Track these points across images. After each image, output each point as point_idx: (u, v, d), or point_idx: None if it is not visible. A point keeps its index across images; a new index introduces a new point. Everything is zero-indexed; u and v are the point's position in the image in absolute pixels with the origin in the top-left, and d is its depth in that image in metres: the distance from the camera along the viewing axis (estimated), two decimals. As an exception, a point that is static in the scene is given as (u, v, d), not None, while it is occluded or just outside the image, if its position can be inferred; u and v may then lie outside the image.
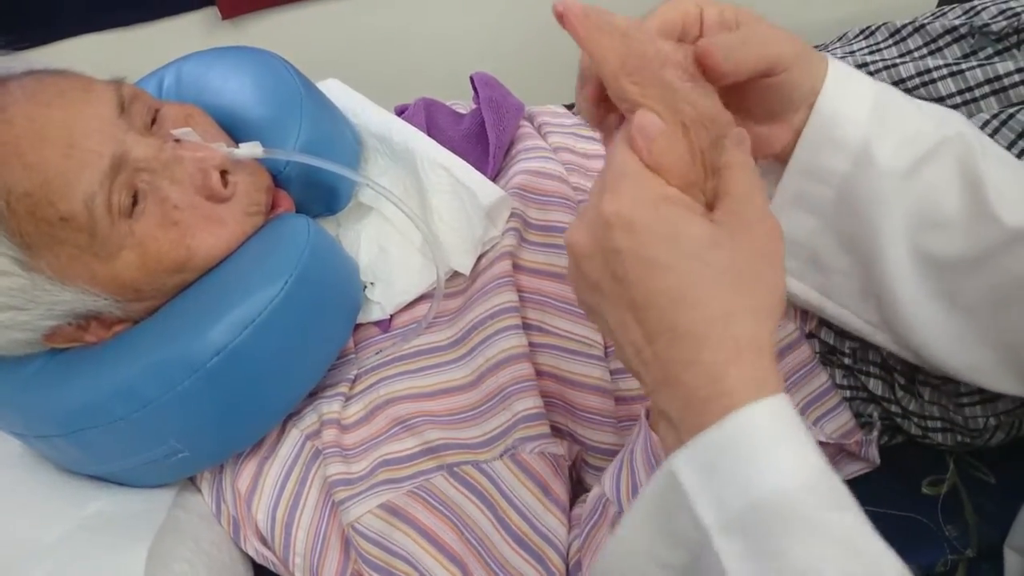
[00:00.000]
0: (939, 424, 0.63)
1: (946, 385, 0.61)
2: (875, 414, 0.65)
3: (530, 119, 0.78)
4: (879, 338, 0.55)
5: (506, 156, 0.73)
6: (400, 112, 0.78)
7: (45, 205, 0.53)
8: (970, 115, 0.63)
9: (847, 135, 0.47)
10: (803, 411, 0.63)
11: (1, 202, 0.53)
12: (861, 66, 0.71)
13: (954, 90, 0.65)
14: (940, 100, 0.66)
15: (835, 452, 0.64)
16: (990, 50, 0.68)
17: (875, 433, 0.64)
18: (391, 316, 0.67)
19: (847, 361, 0.63)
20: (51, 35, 1.05)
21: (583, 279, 0.41)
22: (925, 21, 0.73)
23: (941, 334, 0.51)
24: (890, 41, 0.75)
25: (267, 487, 0.60)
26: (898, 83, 0.68)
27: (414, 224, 0.62)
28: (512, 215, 0.66)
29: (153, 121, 0.59)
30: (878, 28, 0.77)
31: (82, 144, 0.54)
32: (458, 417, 0.60)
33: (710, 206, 0.40)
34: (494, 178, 0.70)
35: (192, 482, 0.65)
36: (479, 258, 0.65)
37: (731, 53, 0.42)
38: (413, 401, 0.60)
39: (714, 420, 0.35)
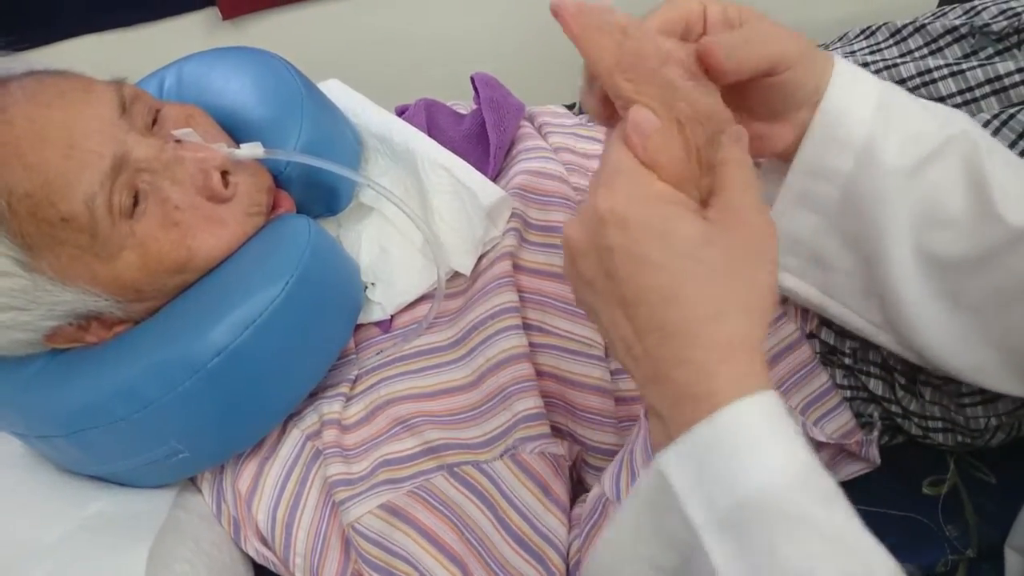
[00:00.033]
0: (940, 424, 0.63)
1: (947, 385, 0.61)
2: (875, 414, 0.65)
3: (531, 119, 0.78)
4: (881, 338, 0.55)
5: (507, 156, 0.73)
6: (401, 112, 0.78)
7: (46, 206, 0.53)
8: (970, 115, 0.63)
9: (852, 134, 0.47)
10: (803, 411, 0.63)
11: (2, 203, 0.53)
12: (862, 66, 0.71)
13: (954, 90, 0.65)
14: (940, 100, 0.66)
15: (835, 452, 0.64)
16: (991, 50, 0.68)
17: (875, 433, 0.64)
18: (392, 316, 0.67)
19: (847, 361, 0.63)
20: (51, 36, 1.05)
21: (578, 276, 0.41)
22: (926, 21, 0.73)
23: (944, 334, 0.51)
24: (891, 41, 0.75)
25: (268, 487, 0.60)
26: (898, 83, 0.68)
27: (415, 224, 0.62)
28: (513, 215, 0.66)
29: (154, 122, 0.59)
30: (879, 28, 0.77)
31: (83, 145, 0.54)
32: (458, 417, 0.60)
33: (705, 203, 0.40)
34: (495, 178, 0.70)
35: (193, 482, 0.65)
36: (480, 258, 0.65)
37: (733, 52, 0.42)
38: (413, 401, 0.61)
39: (703, 417, 0.35)
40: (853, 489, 0.66)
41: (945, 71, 0.66)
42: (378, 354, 0.64)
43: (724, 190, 0.39)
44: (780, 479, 0.34)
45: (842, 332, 0.63)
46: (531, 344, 0.61)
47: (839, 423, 0.63)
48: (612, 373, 0.62)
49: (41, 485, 0.61)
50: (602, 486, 0.54)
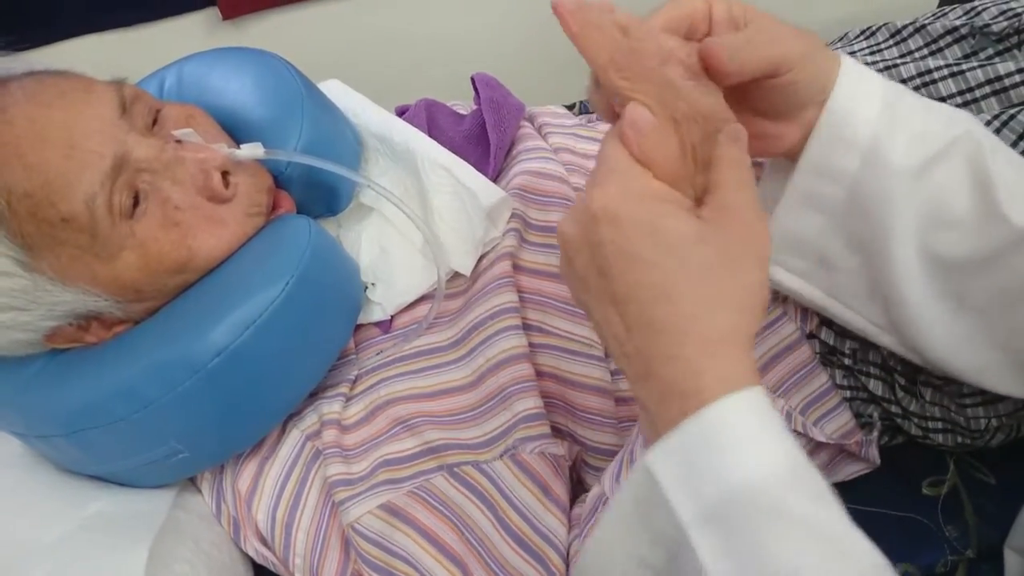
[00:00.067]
0: (940, 425, 0.63)
1: (948, 386, 0.61)
2: (875, 414, 0.65)
3: (531, 120, 0.78)
4: (884, 339, 0.55)
5: (507, 157, 0.73)
6: (401, 113, 0.78)
7: (46, 206, 0.53)
8: (971, 116, 0.63)
9: (858, 134, 0.47)
10: (803, 411, 0.63)
11: (2, 203, 0.53)
12: (862, 66, 0.71)
13: (955, 91, 0.65)
14: (941, 101, 0.66)
15: (835, 452, 0.64)
16: (991, 50, 0.68)
17: (875, 433, 0.64)
18: (392, 317, 0.67)
19: (847, 361, 0.63)
20: (51, 36, 1.05)
21: (572, 272, 0.41)
22: (926, 21, 0.73)
23: (948, 335, 0.51)
24: (891, 41, 0.75)
25: (267, 487, 0.60)
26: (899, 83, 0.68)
27: (415, 225, 0.62)
28: (513, 216, 0.66)
29: (154, 122, 0.59)
30: (879, 28, 0.77)
31: (83, 145, 0.54)
32: (458, 417, 0.60)
33: (700, 201, 0.40)
34: (495, 179, 0.70)
35: (192, 482, 0.65)
36: (480, 259, 0.65)
37: (736, 54, 0.42)
38: (413, 401, 0.61)
39: (690, 414, 0.35)
40: (853, 489, 0.67)
41: (945, 71, 0.66)
42: (378, 354, 0.64)
43: (718, 188, 0.39)
44: (766, 475, 0.34)
45: (842, 332, 0.63)
46: (531, 344, 0.61)
47: (839, 423, 0.63)
48: (612, 373, 0.62)
49: (40, 485, 0.61)
50: (602, 486, 0.54)
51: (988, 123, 0.61)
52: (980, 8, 0.70)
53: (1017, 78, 0.63)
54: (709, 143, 0.40)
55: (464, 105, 0.83)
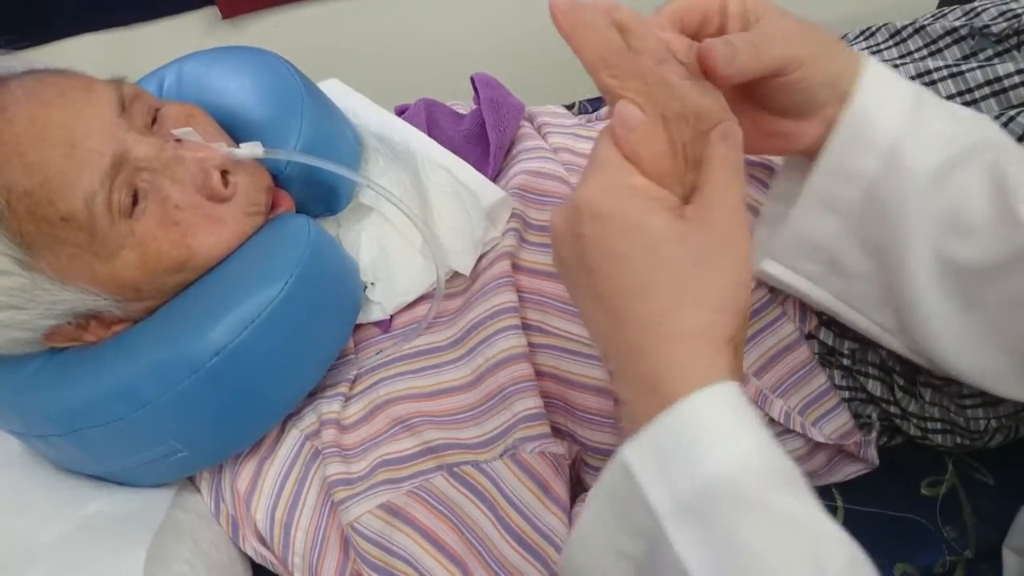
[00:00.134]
0: (939, 425, 0.63)
1: (948, 387, 0.61)
2: (874, 415, 0.65)
3: (530, 119, 0.78)
4: (892, 343, 0.54)
5: (506, 156, 0.73)
6: (400, 112, 0.78)
7: (45, 204, 0.53)
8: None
9: (879, 136, 0.47)
10: (802, 412, 0.63)
11: (1, 201, 0.53)
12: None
13: (954, 91, 0.65)
14: (940, 101, 0.66)
15: (834, 453, 0.64)
16: (990, 51, 0.68)
17: (874, 434, 0.64)
18: (391, 316, 0.67)
19: (846, 362, 0.63)
20: (51, 35, 1.05)
21: (561, 263, 0.42)
22: (925, 22, 0.73)
23: (958, 339, 0.50)
24: (890, 42, 0.75)
25: (266, 487, 0.60)
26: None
27: (414, 225, 0.62)
28: (512, 215, 0.66)
29: (154, 121, 0.59)
30: (878, 29, 0.77)
31: (83, 143, 0.54)
32: (458, 417, 0.60)
33: (687, 199, 0.40)
34: (494, 178, 0.70)
35: (191, 482, 0.65)
36: (479, 258, 0.65)
37: (736, 56, 0.42)
38: (413, 401, 0.61)
39: (664, 408, 0.35)
40: (852, 490, 0.67)
41: (945, 72, 0.66)
42: (377, 354, 0.64)
43: (704, 187, 0.40)
44: (740, 467, 0.34)
45: (841, 333, 0.63)
46: (530, 344, 0.61)
47: (838, 424, 0.63)
48: (611, 373, 0.62)
49: (39, 484, 0.61)
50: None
51: (988, 124, 0.61)
52: (980, 9, 0.70)
53: (1016, 79, 0.63)
54: (701, 142, 0.41)
55: (464, 105, 0.83)
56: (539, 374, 0.61)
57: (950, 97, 0.66)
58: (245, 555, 0.63)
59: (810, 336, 0.63)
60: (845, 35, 0.83)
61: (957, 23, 0.70)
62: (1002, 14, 0.68)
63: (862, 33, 0.79)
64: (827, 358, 0.64)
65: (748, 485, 0.34)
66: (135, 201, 0.56)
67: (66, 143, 0.53)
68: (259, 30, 1.11)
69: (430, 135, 0.72)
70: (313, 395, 0.63)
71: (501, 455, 0.58)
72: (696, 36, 0.46)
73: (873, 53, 0.75)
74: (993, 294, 0.49)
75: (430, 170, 0.67)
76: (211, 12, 1.09)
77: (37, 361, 0.59)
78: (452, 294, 0.66)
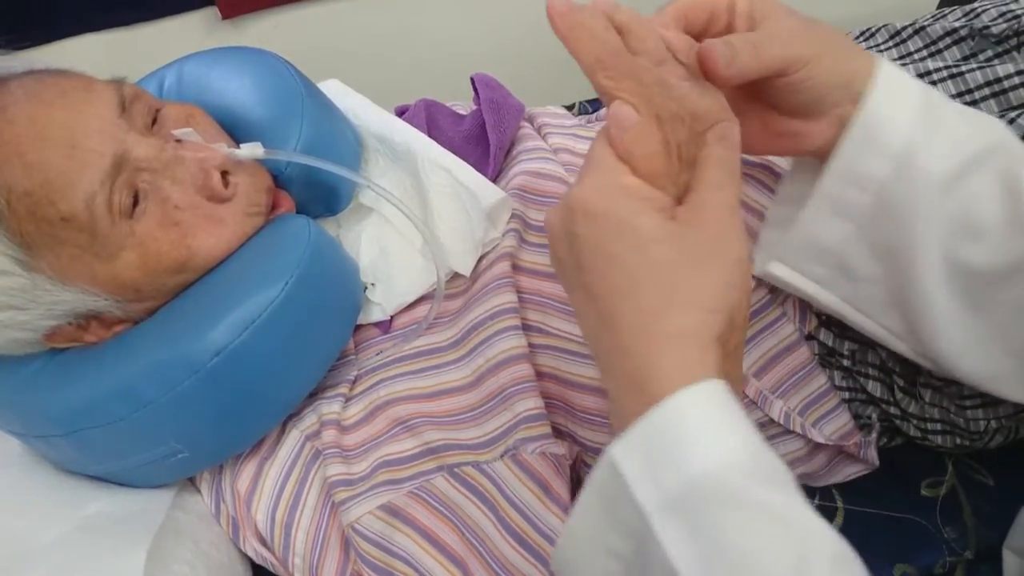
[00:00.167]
0: (939, 426, 0.63)
1: (948, 388, 0.61)
2: (874, 416, 0.65)
3: (530, 120, 0.78)
4: (899, 346, 0.54)
5: (506, 157, 0.73)
6: (400, 113, 0.78)
7: (46, 205, 0.53)
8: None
9: (892, 139, 0.47)
10: (802, 412, 0.63)
11: (2, 201, 0.53)
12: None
13: (954, 92, 0.65)
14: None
15: (834, 454, 0.64)
16: (990, 52, 0.68)
17: (874, 435, 0.64)
18: (391, 317, 0.67)
19: (846, 363, 0.63)
20: (51, 35, 1.05)
21: (558, 263, 0.42)
22: (925, 23, 0.73)
23: (966, 342, 0.50)
24: (890, 43, 0.75)
25: (267, 488, 0.60)
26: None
27: (414, 225, 0.63)
28: (512, 216, 0.66)
29: (154, 121, 0.59)
30: (878, 30, 0.77)
31: (83, 144, 0.54)
32: (458, 418, 0.60)
33: (681, 199, 0.40)
34: (494, 179, 0.70)
35: (191, 482, 0.65)
36: (479, 259, 0.65)
37: (736, 57, 0.42)
38: (413, 402, 0.61)
39: (650, 406, 0.35)
40: (851, 490, 0.67)
41: (944, 73, 0.66)
42: (378, 355, 0.64)
43: (697, 187, 0.40)
44: (726, 464, 0.34)
45: (841, 334, 0.63)
46: (531, 345, 0.61)
47: (838, 424, 0.63)
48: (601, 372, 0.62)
49: (39, 485, 0.61)
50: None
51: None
52: (980, 10, 0.70)
53: (1016, 80, 0.63)
54: (697, 142, 0.41)
55: (464, 105, 0.83)
56: (539, 375, 0.61)
57: (950, 98, 0.66)
58: (245, 556, 0.63)
59: (810, 337, 0.63)
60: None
61: (957, 24, 0.70)
62: (1002, 15, 0.68)
63: (862, 34, 0.79)
64: (827, 359, 0.64)
65: (734, 482, 0.34)
66: (135, 202, 0.56)
67: (67, 143, 0.53)
68: (259, 31, 1.11)
69: (430, 136, 0.72)
70: (313, 396, 0.63)
71: (502, 456, 0.58)
72: (703, 34, 0.46)
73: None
74: (1002, 298, 0.48)
75: (430, 171, 0.67)
76: (211, 12, 1.09)
77: (38, 361, 0.59)
78: (452, 295, 0.66)
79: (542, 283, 0.64)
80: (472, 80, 0.77)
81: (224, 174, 0.59)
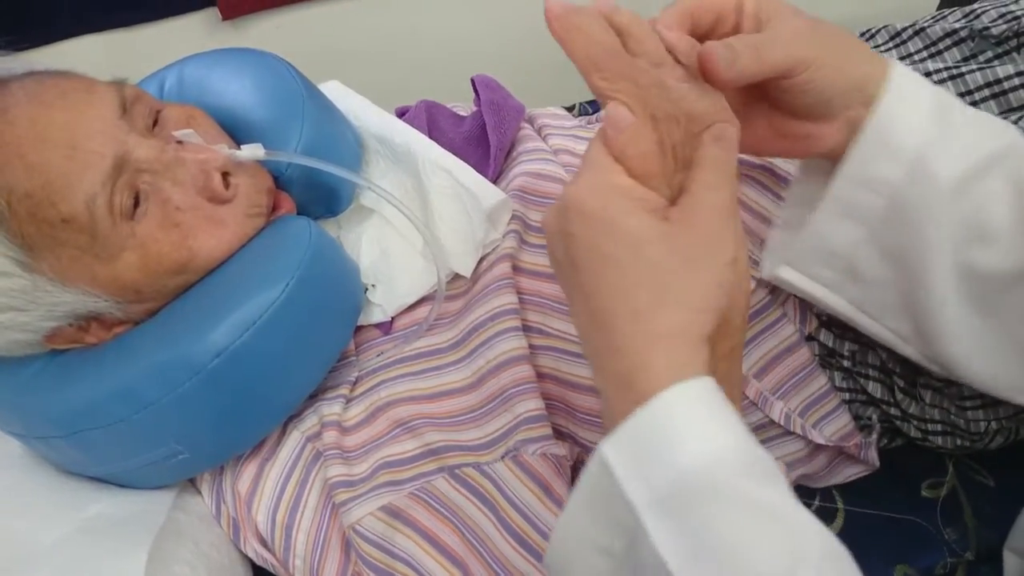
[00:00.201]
0: (939, 427, 0.63)
1: (948, 388, 0.61)
2: (874, 417, 0.65)
3: (531, 121, 0.78)
4: (906, 350, 0.54)
5: (507, 158, 0.73)
6: (401, 114, 0.78)
7: (46, 206, 0.53)
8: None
9: (904, 143, 0.47)
10: (802, 413, 0.63)
11: (2, 203, 0.53)
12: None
13: (954, 93, 0.65)
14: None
15: (834, 455, 0.64)
16: (990, 53, 0.68)
17: (874, 436, 0.64)
18: (392, 318, 0.67)
19: (846, 364, 0.63)
20: (51, 36, 1.05)
21: (555, 263, 0.42)
22: (925, 24, 0.73)
23: (974, 346, 0.50)
24: (890, 44, 0.75)
25: (267, 489, 0.60)
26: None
27: (415, 227, 0.63)
28: (513, 217, 0.66)
29: (155, 122, 0.59)
30: (878, 31, 0.77)
31: (84, 145, 0.54)
32: (458, 419, 0.60)
33: (675, 200, 0.41)
34: (495, 180, 0.70)
35: (192, 484, 0.65)
36: (480, 260, 0.65)
37: (737, 60, 0.42)
38: (414, 403, 0.61)
39: (640, 404, 0.36)
40: (852, 491, 0.67)
41: (944, 74, 0.66)
42: (378, 356, 0.64)
43: (691, 188, 0.40)
44: (715, 460, 0.34)
45: (841, 335, 0.63)
46: (531, 346, 0.61)
47: (838, 425, 0.63)
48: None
49: (40, 486, 0.61)
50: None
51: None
52: (980, 11, 0.70)
53: (1016, 81, 0.63)
54: (693, 143, 0.41)
55: (464, 107, 0.83)
56: (540, 376, 0.61)
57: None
58: (246, 557, 0.63)
59: (810, 338, 0.63)
60: (845, 37, 0.82)
61: (957, 25, 0.70)
62: (1002, 16, 0.68)
63: (862, 35, 0.79)
64: (827, 360, 0.64)
65: (724, 478, 0.34)
66: (136, 203, 0.56)
67: (67, 145, 0.53)
68: (260, 32, 1.12)
69: (431, 137, 0.72)
70: (314, 397, 0.63)
71: (503, 457, 0.58)
72: (710, 34, 0.46)
73: (873, 55, 0.75)
74: (1013, 301, 0.48)
75: (431, 172, 0.67)
76: (212, 13, 1.09)
77: (38, 363, 0.59)
78: (453, 296, 0.66)
79: (542, 284, 0.64)
80: (472, 81, 0.77)
81: (225, 175, 0.59)
